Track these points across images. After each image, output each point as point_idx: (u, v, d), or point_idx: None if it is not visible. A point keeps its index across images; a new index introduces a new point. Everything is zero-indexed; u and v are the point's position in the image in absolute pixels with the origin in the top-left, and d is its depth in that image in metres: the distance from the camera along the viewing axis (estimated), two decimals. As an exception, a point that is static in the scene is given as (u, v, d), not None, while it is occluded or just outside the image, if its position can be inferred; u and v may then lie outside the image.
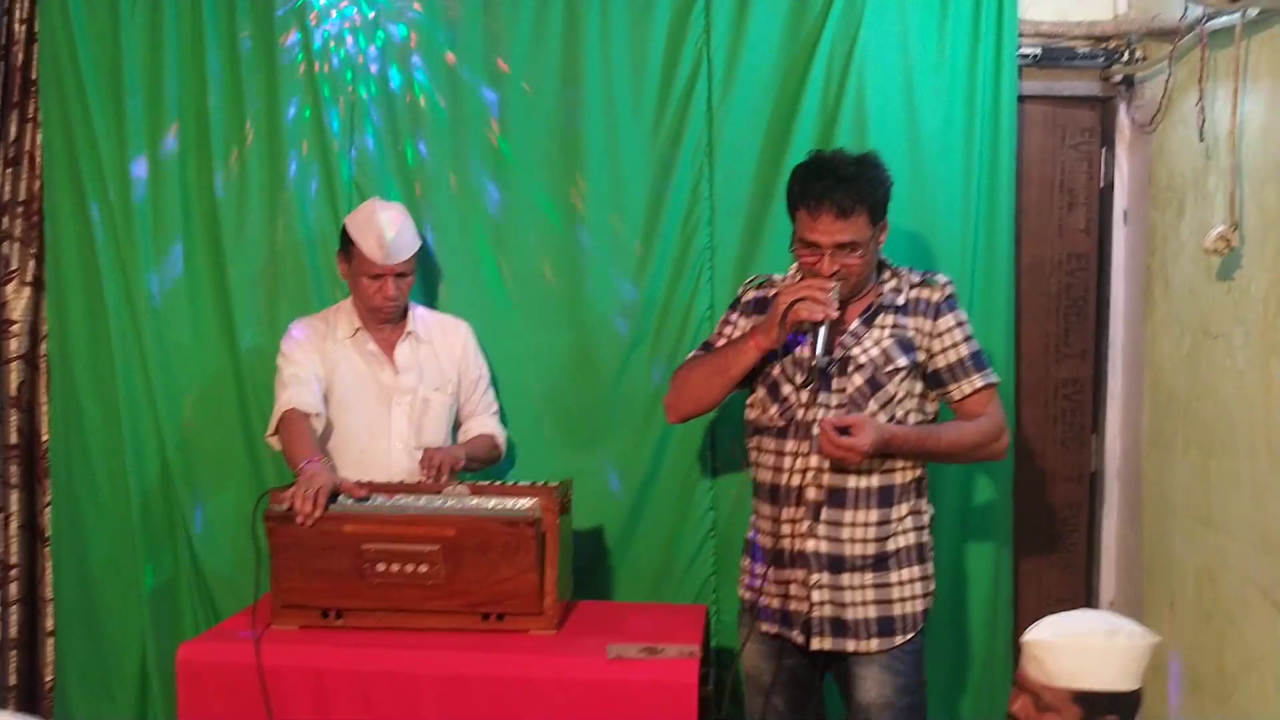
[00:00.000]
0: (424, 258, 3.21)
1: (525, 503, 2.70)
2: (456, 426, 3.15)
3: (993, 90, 3.18)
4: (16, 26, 3.29)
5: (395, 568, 2.67)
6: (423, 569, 2.67)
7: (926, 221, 3.18)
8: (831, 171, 2.51)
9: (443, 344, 3.09)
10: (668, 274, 3.27)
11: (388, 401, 3.00)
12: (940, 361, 2.59)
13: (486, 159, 3.28)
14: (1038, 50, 3.24)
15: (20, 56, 3.30)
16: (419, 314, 3.10)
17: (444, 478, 2.83)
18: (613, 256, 3.28)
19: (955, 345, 2.59)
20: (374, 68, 3.26)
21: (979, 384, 2.59)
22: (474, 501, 2.71)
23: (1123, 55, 3.23)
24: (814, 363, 2.50)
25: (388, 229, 2.89)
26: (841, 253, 2.51)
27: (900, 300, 2.61)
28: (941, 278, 2.65)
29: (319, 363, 2.96)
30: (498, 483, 2.81)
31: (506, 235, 3.29)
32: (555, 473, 2.97)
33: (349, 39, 3.26)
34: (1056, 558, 3.46)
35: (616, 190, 3.27)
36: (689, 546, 3.31)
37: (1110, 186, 3.36)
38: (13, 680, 3.32)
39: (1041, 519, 3.43)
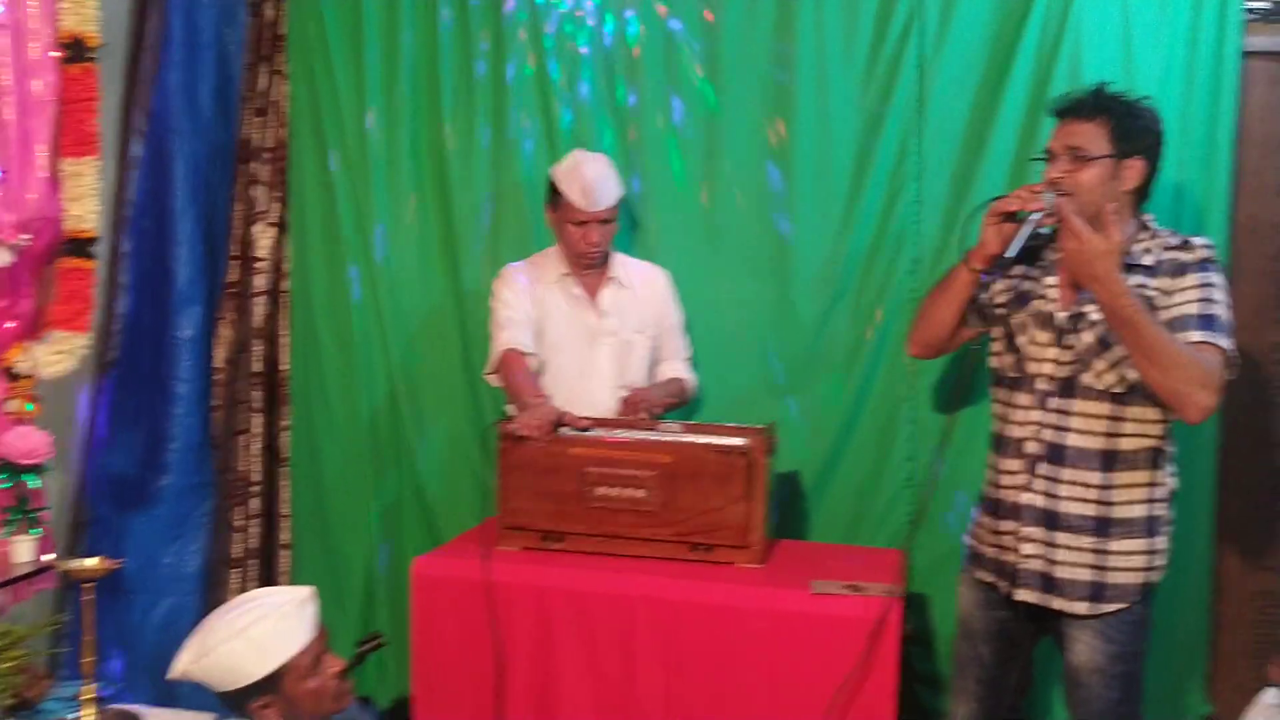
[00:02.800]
0: (635, 205, 3.36)
1: (736, 439, 2.83)
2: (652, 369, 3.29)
3: (1215, 46, 3.10)
4: (268, -16, 3.56)
5: (614, 491, 2.84)
6: (640, 494, 2.83)
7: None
8: (1090, 88, 2.56)
9: (644, 289, 3.24)
10: (874, 227, 3.32)
11: (593, 343, 3.17)
12: (1164, 315, 2.45)
13: (696, 110, 3.39)
14: (1267, 4, 3.16)
15: (271, 13, 3.57)
16: (621, 261, 3.26)
17: (647, 414, 2.98)
18: (818, 208, 3.34)
19: (1186, 302, 2.45)
20: (591, 21, 3.41)
21: (1195, 338, 2.39)
22: (688, 437, 2.85)
23: (1358, 9, 3.14)
24: (1002, 253, 2.52)
25: (591, 177, 3.05)
26: (1069, 162, 2.50)
27: (1149, 260, 2.52)
28: (1200, 240, 2.53)
29: (530, 305, 3.15)
30: (709, 423, 2.95)
31: (714, 184, 3.40)
32: (754, 418, 3.07)
33: (569, -8, 3.42)
34: (1263, 524, 3.40)
35: (824, 142, 3.32)
36: (885, 494, 3.37)
37: (1337, 146, 3.26)
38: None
39: (1248, 484, 3.37)
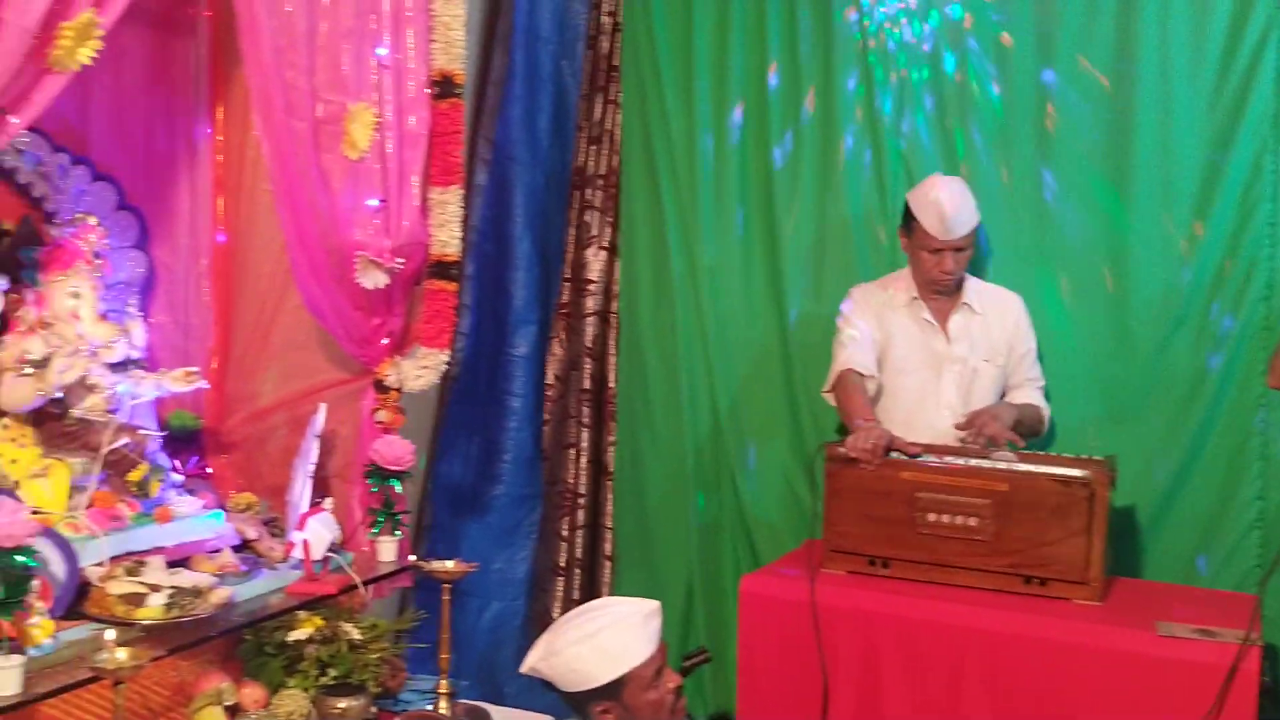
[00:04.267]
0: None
1: (1075, 471, 2.74)
2: (1000, 398, 3.21)
3: None
4: (604, 19, 3.76)
5: (945, 519, 2.80)
6: (972, 522, 2.78)
7: None
8: None
9: (996, 316, 3.16)
10: (1221, 251, 3.15)
11: (938, 369, 3.13)
12: None
13: (1038, 143, 3.30)
14: None
15: (606, 45, 3.76)
16: (974, 286, 3.19)
17: (988, 439, 2.91)
18: (1161, 235, 3.20)
19: None
20: (926, 48, 3.39)
21: None
22: (1024, 466, 2.78)
23: None
24: None
25: (948, 205, 3.00)
26: None
27: None
28: None
29: (876, 327, 3.14)
30: (1045, 453, 2.87)
31: (1053, 216, 3.30)
32: (1089, 449, 2.96)
33: (904, 20, 3.41)
34: None
35: (1168, 165, 3.19)
36: (1230, 535, 3.16)
37: None
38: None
39: None
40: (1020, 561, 2.77)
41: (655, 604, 2.26)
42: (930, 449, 2.88)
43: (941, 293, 3.13)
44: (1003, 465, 2.79)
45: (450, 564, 2.70)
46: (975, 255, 3.33)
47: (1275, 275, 3.11)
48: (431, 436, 3.67)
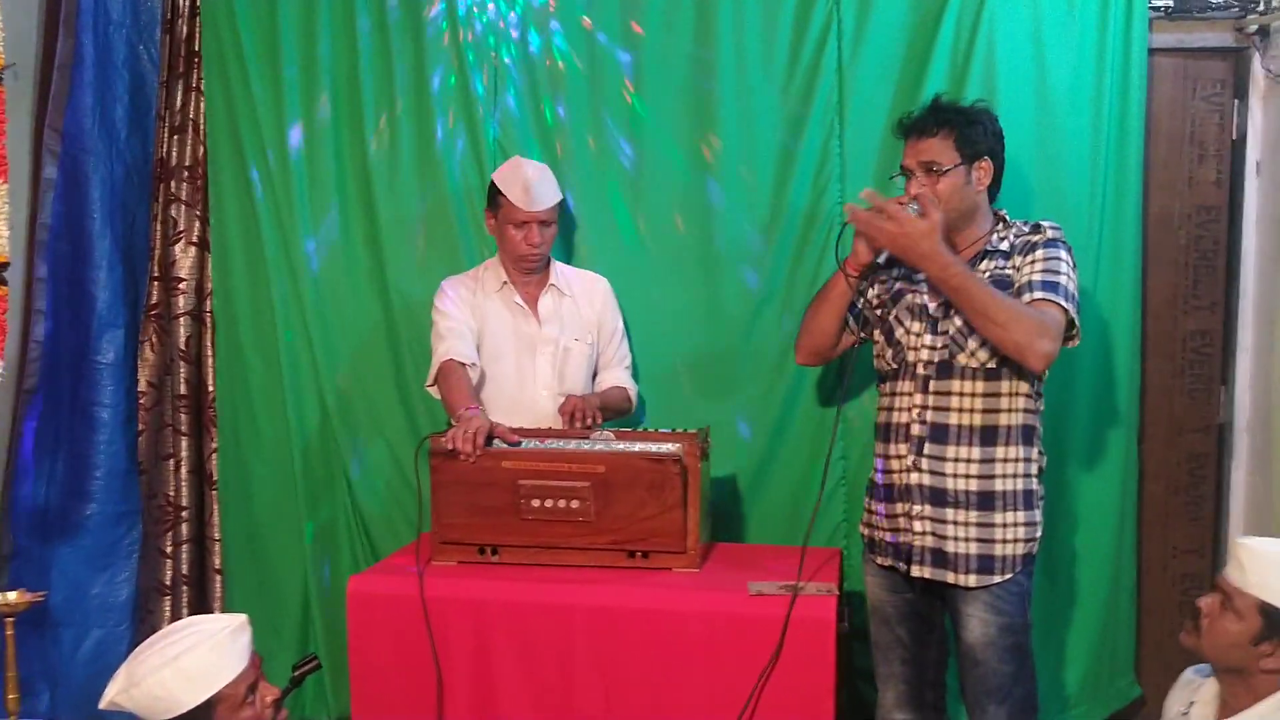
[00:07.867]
0: (563, 216, 3.36)
1: (669, 446, 2.84)
2: (593, 377, 3.29)
3: (1123, 43, 3.19)
4: (180, 1, 3.50)
5: (549, 503, 2.83)
6: (574, 504, 2.82)
7: (1054, 174, 3.23)
8: (929, 105, 2.77)
9: (583, 297, 3.25)
10: (798, 229, 3.35)
11: (533, 351, 3.17)
12: (1013, 282, 2.65)
13: (622, 118, 3.40)
14: (1170, 1, 3.25)
15: (184, 29, 3.52)
16: (560, 269, 3.26)
17: (582, 423, 2.99)
18: (744, 212, 3.37)
19: (1031, 271, 2.64)
20: (515, 33, 3.41)
21: (1036, 297, 2.59)
22: (620, 445, 2.85)
23: (1258, 5, 3.23)
24: (874, 260, 2.77)
25: (532, 176, 3.08)
26: (927, 175, 2.69)
27: (1005, 246, 2.72)
28: (1049, 224, 2.73)
29: (471, 316, 3.14)
30: (641, 429, 2.96)
31: (641, 192, 3.41)
32: (688, 423, 3.08)
33: (491, 5, 3.41)
34: (1183, 508, 3.48)
35: (748, 147, 3.36)
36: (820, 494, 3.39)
37: (1243, 139, 3.35)
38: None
39: (1168, 470, 3.46)
40: (623, 538, 2.84)
41: (242, 618, 2.16)
42: (530, 433, 2.90)
43: (530, 271, 3.18)
44: (600, 446, 2.85)
45: (11, 595, 2.46)
46: (568, 239, 3.40)
47: (845, 253, 3.33)
48: (6, 458, 3.33)
